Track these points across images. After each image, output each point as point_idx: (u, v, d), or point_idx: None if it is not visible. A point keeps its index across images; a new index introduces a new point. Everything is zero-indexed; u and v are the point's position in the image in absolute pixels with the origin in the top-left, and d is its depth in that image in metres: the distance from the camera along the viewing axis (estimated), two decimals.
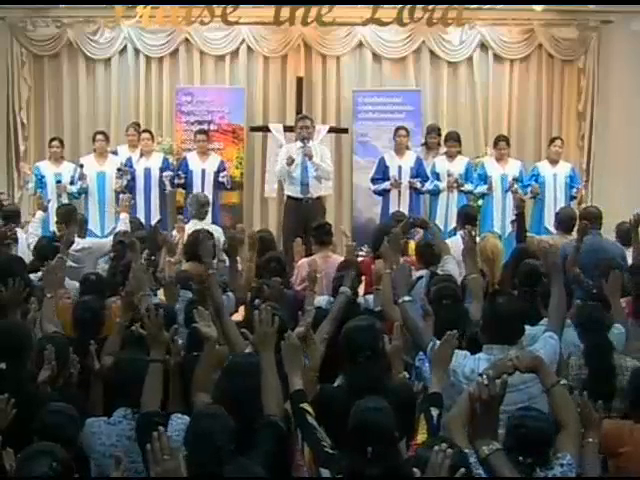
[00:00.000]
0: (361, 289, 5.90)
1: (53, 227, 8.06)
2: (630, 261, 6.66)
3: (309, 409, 3.41)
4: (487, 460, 2.97)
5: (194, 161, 9.79)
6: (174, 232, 7.69)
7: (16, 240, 7.30)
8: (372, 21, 10.88)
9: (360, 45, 11.38)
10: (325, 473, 3.24)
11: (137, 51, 11.40)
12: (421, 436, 3.39)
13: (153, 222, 9.34)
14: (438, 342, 3.80)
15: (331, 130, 10.71)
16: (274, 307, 3.90)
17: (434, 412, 3.46)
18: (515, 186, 9.21)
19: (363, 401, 3.22)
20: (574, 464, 3.17)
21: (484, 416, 2.98)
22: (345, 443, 3.22)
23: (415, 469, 2.81)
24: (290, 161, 8.95)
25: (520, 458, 3.09)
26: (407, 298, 4.36)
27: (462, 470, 2.75)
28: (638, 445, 3.72)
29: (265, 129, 10.80)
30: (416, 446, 3.28)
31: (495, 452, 2.98)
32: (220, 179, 9.68)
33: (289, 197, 9.21)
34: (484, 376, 3.09)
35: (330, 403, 3.61)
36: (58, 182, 9.38)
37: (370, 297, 5.76)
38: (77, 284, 5.92)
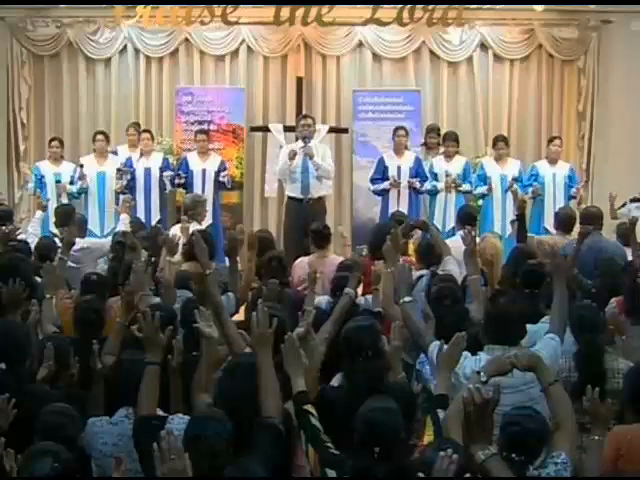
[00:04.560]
0: (359, 289, 5.90)
1: (52, 227, 8.06)
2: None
3: (312, 410, 3.41)
4: (483, 465, 2.97)
5: (194, 161, 9.78)
6: (174, 231, 7.65)
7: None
8: (372, 21, 10.87)
9: (360, 45, 11.37)
10: (331, 474, 3.24)
11: (137, 51, 11.39)
12: (427, 437, 3.39)
13: (153, 222, 9.35)
14: (445, 345, 3.78)
15: (331, 130, 10.71)
16: (273, 307, 3.89)
17: (441, 414, 3.45)
18: (515, 186, 9.20)
19: (370, 401, 3.22)
20: (569, 463, 3.16)
21: (479, 420, 2.97)
22: (346, 443, 3.21)
23: (420, 473, 2.81)
24: (292, 155, 8.92)
25: (513, 456, 3.10)
26: (408, 299, 4.37)
27: (467, 475, 2.75)
28: (634, 446, 3.70)
29: (265, 129, 10.80)
30: (422, 447, 3.28)
31: (491, 457, 2.98)
32: (221, 179, 9.67)
33: (290, 197, 9.19)
34: (481, 373, 3.08)
35: (330, 403, 3.61)
36: (58, 182, 9.39)
37: (369, 297, 5.76)
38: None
